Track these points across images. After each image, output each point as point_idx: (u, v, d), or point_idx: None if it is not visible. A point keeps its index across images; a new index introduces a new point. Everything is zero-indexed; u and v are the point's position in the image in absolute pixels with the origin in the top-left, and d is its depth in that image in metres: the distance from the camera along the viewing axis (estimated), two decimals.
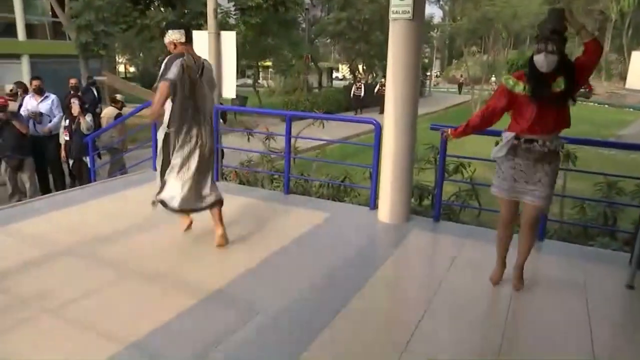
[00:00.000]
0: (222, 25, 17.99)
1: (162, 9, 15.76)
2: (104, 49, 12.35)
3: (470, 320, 2.90)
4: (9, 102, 6.53)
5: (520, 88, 2.95)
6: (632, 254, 3.50)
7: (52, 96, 7.07)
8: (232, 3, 15.38)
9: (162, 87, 3.46)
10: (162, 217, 3.90)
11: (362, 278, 3.33)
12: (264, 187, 6.14)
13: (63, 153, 7.25)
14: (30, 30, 19.02)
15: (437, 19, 29.91)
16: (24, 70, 18.38)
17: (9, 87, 7.39)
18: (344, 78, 40.13)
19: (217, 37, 6.63)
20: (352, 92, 22.76)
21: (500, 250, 3.29)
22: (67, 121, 7.18)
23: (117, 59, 25.84)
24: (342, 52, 31.73)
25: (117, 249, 3.70)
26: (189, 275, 3.32)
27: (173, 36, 3.67)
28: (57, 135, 7.13)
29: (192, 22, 14.43)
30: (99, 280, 3.22)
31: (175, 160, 3.67)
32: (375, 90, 22.42)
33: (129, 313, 2.85)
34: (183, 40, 3.66)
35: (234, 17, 17.21)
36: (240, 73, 34.46)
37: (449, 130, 3.43)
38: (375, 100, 20.84)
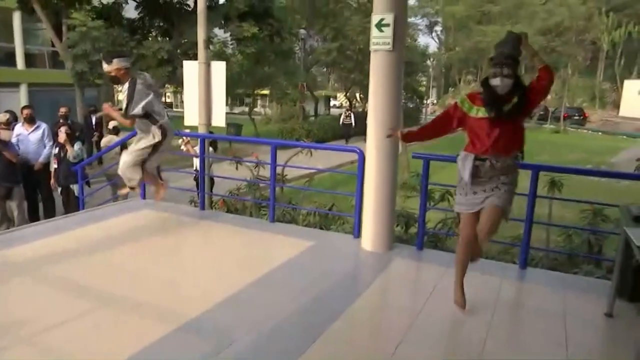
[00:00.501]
0: (219, 55, 18.32)
1: (159, 38, 16.05)
2: (99, 78, 12.54)
3: (447, 347, 2.87)
4: (3, 130, 6.57)
5: (474, 112, 3.08)
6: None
7: (43, 125, 7.14)
8: (229, 33, 15.66)
9: (127, 122, 4.33)
10: (142, 245, 3.90)
11: (341, 306, 3.31)
12: (252, 215, 6.15)
13: (52, 180, 7.30)
14: (30, 59, 19.33)
15: (432, 48, 30.48)
16: (21, 99, 18.56)
17: (4, 117, 7.47)
18: (341, 106, 40.67)
19: (207, 67, 6.75)
20: (341, 121, 22.60)
21: (459, 273, 3.27)
22: (57, 149, 7.25)
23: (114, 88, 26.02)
24: (338, 80, 32.18)
25: (97, 277, 3.68)
26: (167, 304, 3.30)
27: (122, 64, 4.22)
28: (49, 163, 7.17)
29: (189, 51, 14.67)
30: (76, 308, 3.18)
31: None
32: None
33: (104, 342, 2.81)
34: (129, 66, 4.27)
35: (231, 46, 17.55)
36: (239, 101, 34.84)
37: (399, 131, 3.50)
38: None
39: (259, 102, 34.98)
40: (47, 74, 19.46)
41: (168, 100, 42.19)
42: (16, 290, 3.43)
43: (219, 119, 6.85)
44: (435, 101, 50.14)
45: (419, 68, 31.31)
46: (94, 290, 3.47)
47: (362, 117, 22.85)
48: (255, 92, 24.07)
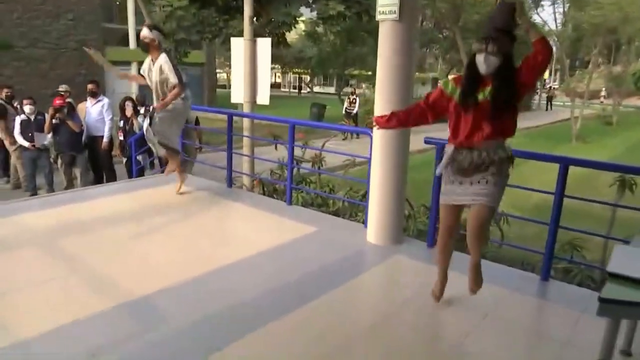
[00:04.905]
0: (311, 34, 18.25)
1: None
2: (185, 56, 13.09)
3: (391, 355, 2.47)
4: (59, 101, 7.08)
5: (456, 95, 2.62)
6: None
7: (105, 99, 7.57)
8: (315, 12, 15.47)
9: (179, 90, 4.61)
10: (142, 221, 3.90)
11: (311, 295, 3.06)
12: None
13: (118, 151, 7.76)
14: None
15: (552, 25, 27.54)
16: None
17: (63, 88, 8.09)
18: None
19: (253, 44, 6.64)
20: (343, 109, 18.13)
21: (439, 261, 2.98)
22: (122, 122, 7.67)
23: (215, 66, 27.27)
24: (444, 62, 30.63)
25: (83, 248, 3.76)
26: (125, 280, 3.24)
27: (158, 37, 4.65)
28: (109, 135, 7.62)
29: (275, 30, 14.78)
30: (47, 275, 3.26)
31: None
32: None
33: (45, 310, 2.83)
34: (162, 41, 4.68)
35: (322, 25, 17.36)
36: (339, 80, 34.77)
37: (374, 117, 3.09)
38: None
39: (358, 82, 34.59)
40: None
41: None
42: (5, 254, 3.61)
43: (263, 97, 6.73)
44: (557, 85, 45.61)
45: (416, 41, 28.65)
46: (74, 260, 3.54)
47: None
48: (347, 72, 23.71)
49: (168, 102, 4.64)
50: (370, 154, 4.11)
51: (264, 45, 6.61)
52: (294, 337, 2.68)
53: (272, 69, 41.44)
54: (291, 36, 29.57)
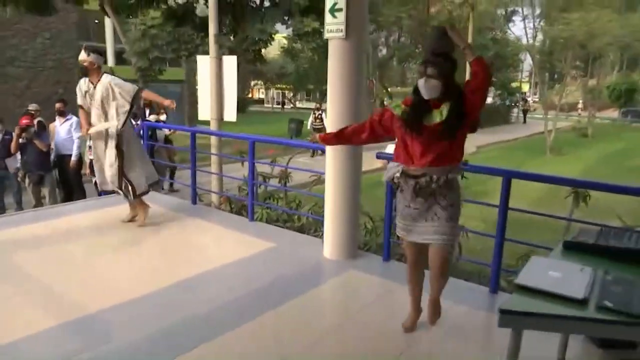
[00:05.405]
0: (289, 50, 18.38)
1: (229, 35, 16.50)
2: (160, 73, 13.15)
3: None
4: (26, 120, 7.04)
5: (400, 112, 2.63)
6: None
7: (73, 118, 7.54)
8: (290, 29, 15.68)
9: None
10: (101, 238, 3.90)
11: (255, 312, 3.08)
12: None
13: (88, 170, 7.71)
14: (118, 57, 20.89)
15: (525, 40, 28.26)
16: None
17: (33, 107, 8.05)
18: None
19: (219, 61, 6.70)
20: (309, 124, 16.42)
21: (409, 291, 2.93)
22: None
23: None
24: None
25: (40, 266, 3.76)
26: (75, 297, 3.24)
27: (97, 60, 4.48)
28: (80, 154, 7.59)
29: (250, 47, 14.91)
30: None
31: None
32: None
33: None
34: (101, 64, 4.52)
35: (299, 42, 17.59)
36: (316, 95, 35.10)
37: (318, 135, 3.14)
38: None
39: None
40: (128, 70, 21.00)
41: None
42: None
43: (230, 114, 6.79)
44: (537, 99, 46.23)
45: (509, 62, 29.27)
46: (26, 277, 3.55)
47: None
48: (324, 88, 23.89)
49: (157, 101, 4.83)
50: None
51: (230, 62, 6.69)
52: (248, 345, 2.74)
53: (254, 85, 41.54)
54: (273, 52, 29.89)
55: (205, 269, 3.75)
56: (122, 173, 4.52)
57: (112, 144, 4.48)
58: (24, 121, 6.99)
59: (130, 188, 4.56)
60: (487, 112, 30.59)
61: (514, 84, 34.05)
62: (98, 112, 4.48)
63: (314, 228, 5.66)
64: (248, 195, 5.11)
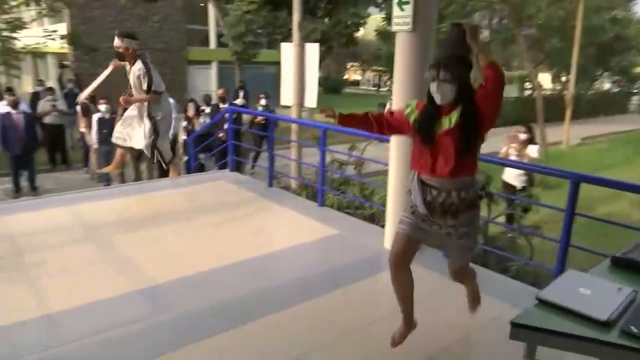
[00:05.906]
0: (385, 33, 18.09)
1: (325, 19, 16.68)
2: (253, 57, 13.64)
3: None
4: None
5: (413, 119, 2.46)
6: None
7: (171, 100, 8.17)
8: (383, 12, 15.48)
9: (152, 98, 4.76)
10: (179, 216, 4.42)
11: (296, 300, 3.23)
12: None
13: (181, 150, 8.39)
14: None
15: None
16: (212, 75, 21.36)
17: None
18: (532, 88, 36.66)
19: (302, 48, 6.87)
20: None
21: (400, 301, 2.62)
22: (186, 122, 8.29)
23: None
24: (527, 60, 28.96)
25: (120, 236, 4.23)
26: (148, 264, 3.64)
27: (132, 45, 4.65)
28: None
29: (343, 31, 14.98)
30: (86, 257, 3.77)
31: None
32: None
33: (66, 287, 3.26)
34: (137, 48, 4.69)
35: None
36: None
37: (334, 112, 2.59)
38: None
39: None
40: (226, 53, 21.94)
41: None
42: (61, 237, 4.16)
43: (311, 100, 6.95)
44: None
45: (632, 44, 26.31)
46: (115, 247, 4.03)
47: (551, 101, 20.03)
48: None
49: (132, 102, 4.86)
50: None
51: (312, 50, 6.82)
52: (291, 329, 2.91)
53: (351, 66, 41.15)
54: (370, 34, 29.56)
55: (260, 252, 3.97)
56: (154, 145, 5.06)
57: (147, 121, 4.96)
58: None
59: (160, 157, 5.17)
60: (598, 100, 28.03)
61: (637, 70, 30.65)
62: (135, 92, 4.90)
63: (382, 218, 5.70)
64: (318, 181, 5.26)
